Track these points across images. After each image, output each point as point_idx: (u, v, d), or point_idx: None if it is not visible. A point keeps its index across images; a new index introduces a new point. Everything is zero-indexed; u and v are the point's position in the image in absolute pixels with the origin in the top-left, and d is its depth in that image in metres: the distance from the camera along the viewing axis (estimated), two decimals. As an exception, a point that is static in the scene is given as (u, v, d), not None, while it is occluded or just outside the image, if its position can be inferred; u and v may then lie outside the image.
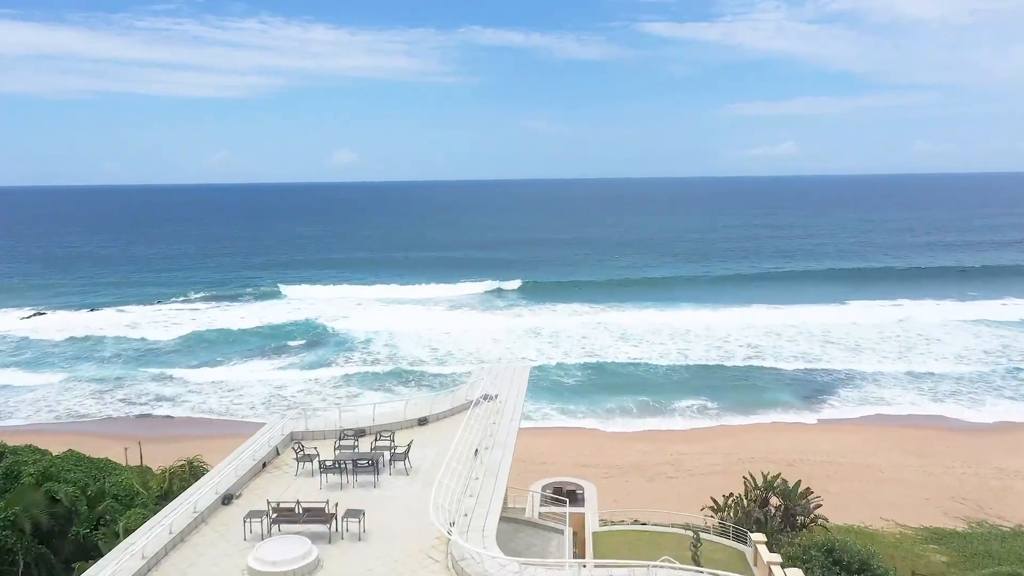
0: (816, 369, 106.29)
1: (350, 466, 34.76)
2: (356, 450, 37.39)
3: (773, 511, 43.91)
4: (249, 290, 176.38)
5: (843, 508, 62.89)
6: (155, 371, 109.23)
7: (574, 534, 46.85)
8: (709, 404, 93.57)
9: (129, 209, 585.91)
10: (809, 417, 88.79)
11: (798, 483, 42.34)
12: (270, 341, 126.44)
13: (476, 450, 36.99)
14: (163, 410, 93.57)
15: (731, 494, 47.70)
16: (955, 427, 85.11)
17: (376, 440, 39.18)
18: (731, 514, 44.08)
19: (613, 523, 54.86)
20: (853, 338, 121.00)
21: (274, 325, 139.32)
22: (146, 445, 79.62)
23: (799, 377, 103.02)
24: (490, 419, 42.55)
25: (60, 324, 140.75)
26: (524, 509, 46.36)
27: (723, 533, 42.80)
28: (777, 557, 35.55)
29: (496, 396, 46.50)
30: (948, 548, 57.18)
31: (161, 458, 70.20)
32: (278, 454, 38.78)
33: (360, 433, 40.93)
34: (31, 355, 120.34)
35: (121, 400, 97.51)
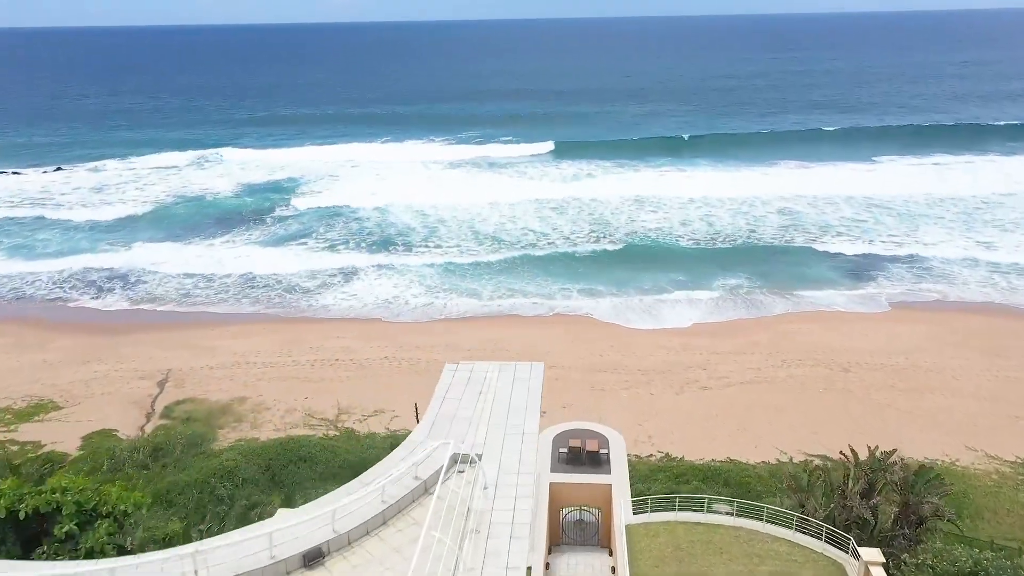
0: (862, 240, 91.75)
1: None
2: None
3: (883, 501, 30.67)
4: (229, 148, 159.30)
5: (916, 433, 50.89)
6: (112, 245, 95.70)
7: (599, 513, 34.90)
8: (743, 283, 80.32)
9: (113, 53, 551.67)
10: (858, 302, 75.57)
11: (923, 469, 29.68)
12: (247, 207, 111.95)
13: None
14: (115, 298, 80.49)
15: (815, 467, 35.00)
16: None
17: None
18: (820, 500, 31.47)
19: (648, 478, 42.98)
20: (900, 201, 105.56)
21: (254, 187, 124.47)
22: (92, 337, 67.07)
23: (843, 250, 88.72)
24: (471, 523, 26.28)
25: (15, 189, 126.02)
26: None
27: (804, 527, 30.29)
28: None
29: (477, 458, 29.65)
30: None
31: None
32: None
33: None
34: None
35: (74, 280, 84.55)
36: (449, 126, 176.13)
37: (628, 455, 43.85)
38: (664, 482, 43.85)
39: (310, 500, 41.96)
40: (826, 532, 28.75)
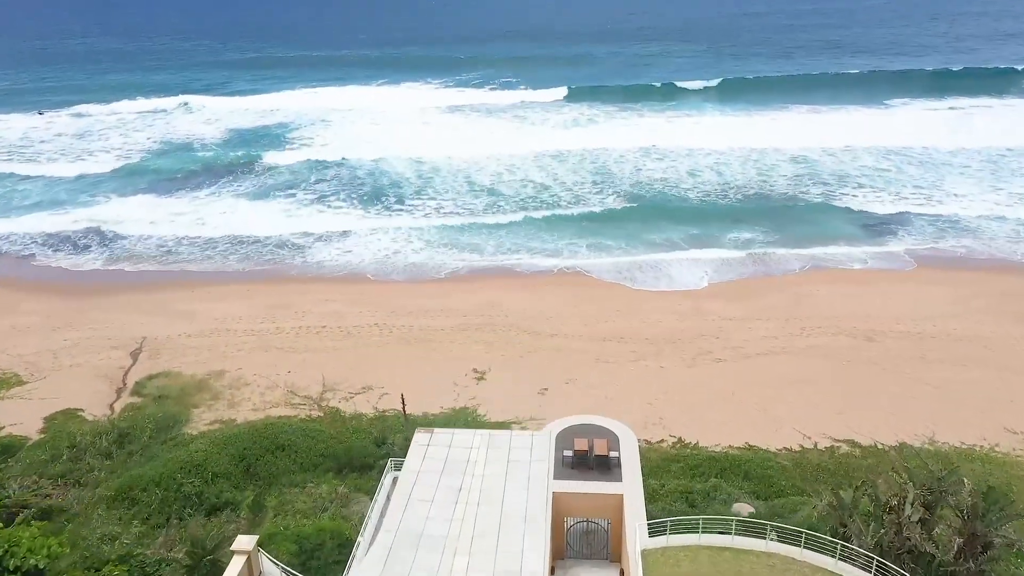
0: (883, 191, 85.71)
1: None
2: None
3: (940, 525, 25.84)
4: (217, 91, 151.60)
5: (951, 412, 46.28)
6: (92, 198, 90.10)
7: (609, 524, 30.42)
8: (756, 239, 75.05)
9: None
10: (879, 260, 70.35)
11: (992, 491, 25.04)
12: (235, 156, 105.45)
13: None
14: (91, 256, 75.26)
15: (861, 483, 30.16)
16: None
17: None
18: (865, 526, 26.71)
19: (661, 469, 38.42)
20: (920, 149, 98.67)
21: (243, 133, 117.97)
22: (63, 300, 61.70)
23: (863, 203, 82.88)
24: None
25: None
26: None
27: (848, 555, 25.77)
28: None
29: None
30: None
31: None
32: None
33: None
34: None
35: (49, 236, 79.30)
36: (448, 68, 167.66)
37: (639, 441, 39.45)
38: (678, 475, 39.47)
39: (286, 495, 37.92)
40: (876, 564, 24.30)
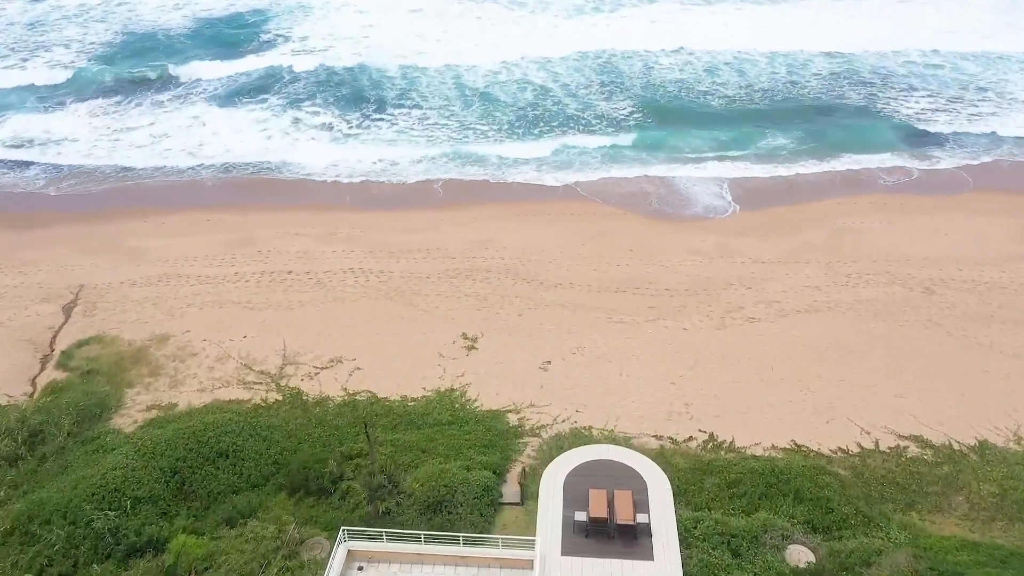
0: (932, 95, 73.68)
1: None
2: None
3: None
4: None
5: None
6: (41, 103, 78.29)
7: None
8: (786, 155, 64.70)
9: None
10: (931, 182, 60.24)
11: None
12: (203, 50, 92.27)
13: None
14: (32, 176, 64.61)
15: None
16: None
17: None
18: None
19: (692, 485, 29.81)
20: (978, 39, 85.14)
21: (213, 21, 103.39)
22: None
23: (909, 109, 71.33)
24: None
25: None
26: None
27: None
28: None
29: None
30: None
31: None
32: None
33: None
34: None
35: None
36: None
37: (661, 438, 31.27)
38: (714, 493, 31.25)
39: (219, 543, 29.29)
40: None
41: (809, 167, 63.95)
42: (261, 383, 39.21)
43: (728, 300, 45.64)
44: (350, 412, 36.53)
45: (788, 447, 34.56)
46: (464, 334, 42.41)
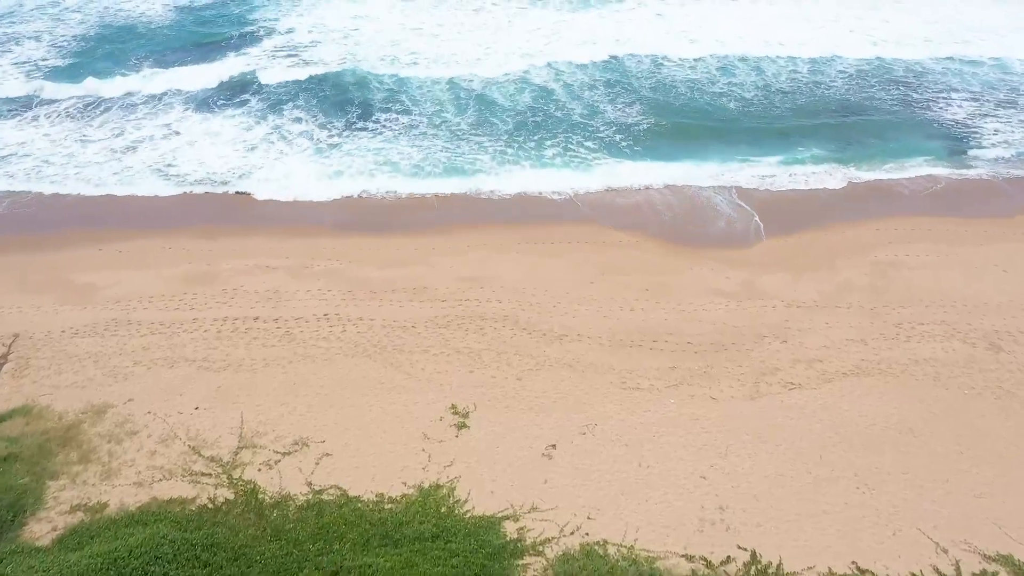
0: (977, 97, 65.87)
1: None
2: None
3: None
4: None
5: None
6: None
7: None
8: (812, 167, 57.49)
9: None
10: (973, 198, 53.18)
11: None
12: (187, 44, 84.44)
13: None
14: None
15: None
16: None
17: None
18: None
19: None
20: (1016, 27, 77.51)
21: (195, 11, 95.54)
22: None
23: (948, 113, 63.75)
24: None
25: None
26: None
27: None
28: None
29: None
30: None
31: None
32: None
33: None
34: None
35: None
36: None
37: (693, 559, 24.51)
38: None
39: None
40: None
41: (838, 180, 56.86)
42: (210, 474, 32.10)
43: (761, 358, 38.49)
44: (315, 519, 29.49)
45: (849, 572, 27.57)
46: (454, 406, 35.26)
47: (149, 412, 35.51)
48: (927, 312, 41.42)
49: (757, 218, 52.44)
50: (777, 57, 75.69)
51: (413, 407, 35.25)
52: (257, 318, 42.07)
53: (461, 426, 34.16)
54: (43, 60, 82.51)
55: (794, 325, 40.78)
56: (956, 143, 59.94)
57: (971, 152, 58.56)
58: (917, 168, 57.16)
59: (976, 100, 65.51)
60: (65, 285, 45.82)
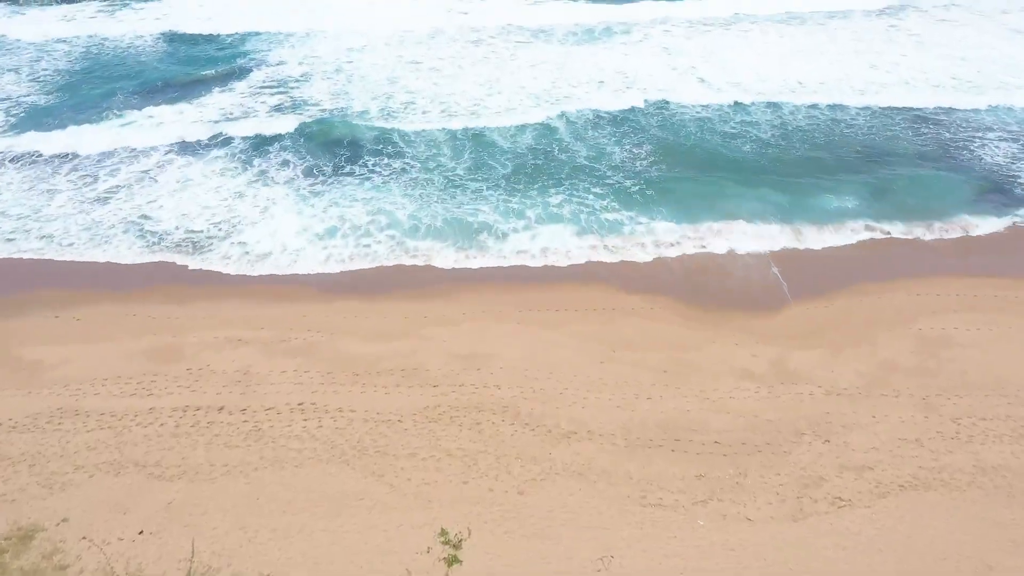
0: (1007, 133, 60.50)
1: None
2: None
3: None
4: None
5: None
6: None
7: None
8: (832, 203, 52.58)
9: None
10: (1021, 254, 47.36)
11: None
12: (164, 87, 79.20)
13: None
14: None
15: None
16: None
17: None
18: None
19: None
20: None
21: (189, 42, 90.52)
22: None
23: (984, 150, 58.16)
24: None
25: None
26: None
27: None
28: None
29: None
30: None
31: None
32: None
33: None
34: None
35: None
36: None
37: None
38: None
39: None
40: None
41: (867, 232, 51.30)
42: (148, 630, 26.22)
43: (801, 463, 32.57)
44: None
45: None
46: (443, 532, 29.33)
47: (85, 538, 29.58)
48: (987, 402, 35.55)
49: (781, 278, 46.73)
50: (792, 92, 70.27)
51: (395, 533, 29.32)
52: (222, 408, 36.23)
53: (452, 561, 28.21)
54: (20, 96, 77.21)
55: (836, 419, 34.89)
56: (996, 190, 54.31)
57: (1013, 199, 52.91)
58: (956, 219, 51.55)
59: (1014, 140, 59.85)
60: (10, 363, 40.04)
